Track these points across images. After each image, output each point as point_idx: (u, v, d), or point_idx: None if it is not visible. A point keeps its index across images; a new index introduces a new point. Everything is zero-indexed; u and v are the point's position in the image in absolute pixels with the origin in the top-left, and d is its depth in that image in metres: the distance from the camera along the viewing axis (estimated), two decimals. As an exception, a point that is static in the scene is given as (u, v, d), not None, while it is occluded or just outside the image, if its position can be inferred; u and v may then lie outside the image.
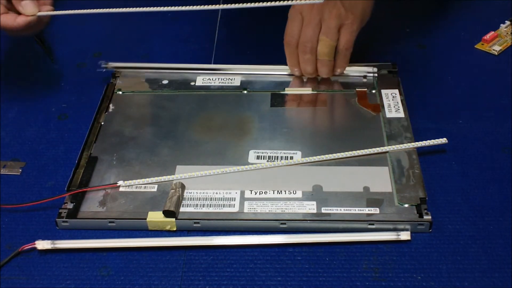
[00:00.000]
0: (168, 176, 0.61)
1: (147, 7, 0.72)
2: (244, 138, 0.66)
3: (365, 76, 0.72)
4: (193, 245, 0.57)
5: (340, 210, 0.57)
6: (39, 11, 0.67)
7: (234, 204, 0.59)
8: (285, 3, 0.63)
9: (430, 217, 0.56)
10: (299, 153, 0.64)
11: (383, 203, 0.58)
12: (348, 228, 0.57)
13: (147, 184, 0.61)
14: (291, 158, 0.63)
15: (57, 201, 0.60)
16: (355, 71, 0.72)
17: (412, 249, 0.56)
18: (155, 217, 0.58)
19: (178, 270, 0.55)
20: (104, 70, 0.75)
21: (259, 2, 0.63)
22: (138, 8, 0.68)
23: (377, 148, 0.63)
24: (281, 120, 0.68)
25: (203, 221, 0.58)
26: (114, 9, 0.68)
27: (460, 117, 0.68)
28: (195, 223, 0.58)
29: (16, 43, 0.68)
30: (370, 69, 0.72)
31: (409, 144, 0.63)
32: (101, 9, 0.67)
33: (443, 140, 0.63)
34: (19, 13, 0.67)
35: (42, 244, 0.56)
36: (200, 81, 0.74)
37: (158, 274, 0.55)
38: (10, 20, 0.67)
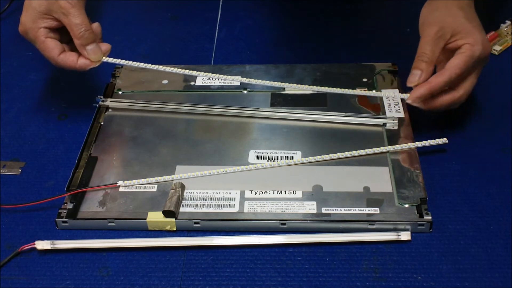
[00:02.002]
0: (168, 176, 0.61)
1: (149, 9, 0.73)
2: (244, 138, 0.66)
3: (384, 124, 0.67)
4: (193, 245, 0.57)
5: (340, 210, 0.57)
6: (103, 56, 0.65)
7: (234, 204, 0.59)
8: None
9: (431, 217, 0.56)
10: (299, 153, 0.64)
11: (383, 203, 0.58)
12: (349, 228, 0.57)
13: (147, 184, 0.61)
14: (291, 158, 0.63)
15: (57, 201, 0.60)
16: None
17: (413, 249, 0.55)
18: (155, 217, 0.58)
19: (178, 270, 0.55)
20: (100, 102, 0.71)
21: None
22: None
23: (377, 148, 0.63)
24: (281, 120, 0.68)
25: (203, 221, 0.58)
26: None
27: (460, 117, 0.68)
28: (195, 223, 0.58)
29: (16, 43, 0.68)
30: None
31: (409, 144, 0.63)
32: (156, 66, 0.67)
33: (443, 140, 0.63)
34: (75, 50, 0.64)
35: (42, 244, 0.56)
36: (200, 81, 0.74)
37: (158, 274, 0.55)
38: (71, 61, 0.64)
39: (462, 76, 0.61)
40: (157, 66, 0.67)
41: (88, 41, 0.63)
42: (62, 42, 0.65)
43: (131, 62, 0.66)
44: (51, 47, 0.63)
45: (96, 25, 0.65)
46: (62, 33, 0.65)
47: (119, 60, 0.66)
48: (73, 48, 0.65)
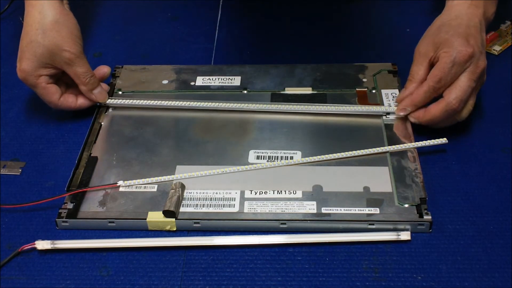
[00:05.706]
0: (168, 176, 0.61)
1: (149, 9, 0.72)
2: (244, 138, 0.66)
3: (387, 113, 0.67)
4: (193, 245, 0.57)
5: (340, 210, 0.57)
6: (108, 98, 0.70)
7: (234, 204, 0.59)
8: None
9: (430, 217, 0.56)
10: (299, 153, 0.64)
11: (383, 203, 0.58)
12: (348, 228, 0.57)
13: (147, 184, 0.61)
14: (291, 158, 0.63)
15: (57, 201, 0.60)
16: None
17: (412, 249, 0.56)
18: (155, 217, 0.58)
19: (178, 270, 0.55)
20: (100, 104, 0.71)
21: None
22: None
23: (377, 148, 0.63)
24: (281, 120, 0.68)
25: (203, 221, 0.58)
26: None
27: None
28: (195, 223, 0.58)
29: (16, 43, 0.68)
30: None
31: (409, 144, 0.63)
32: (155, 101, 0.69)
33: (443, 140, 0.63)
34: (73, 92, 0.69)
35: (42, 244, 0.56)
36: (200, 81, 0.74)
37: (158, 274, 0.55)
38: (71, 102, 0.68)
39: (442, 83, 0.61)
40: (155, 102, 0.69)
41: (94, 86, 0.68)
42: (59, 85, 0.68)
43: (133, 100, 0.69)
44: (52, 92, 0.67)
45: (105, 68, 0.71)
46: (58, 77, 0.68)
47: (121, 99, 0.70)
48: (68, 88, 0.69)
